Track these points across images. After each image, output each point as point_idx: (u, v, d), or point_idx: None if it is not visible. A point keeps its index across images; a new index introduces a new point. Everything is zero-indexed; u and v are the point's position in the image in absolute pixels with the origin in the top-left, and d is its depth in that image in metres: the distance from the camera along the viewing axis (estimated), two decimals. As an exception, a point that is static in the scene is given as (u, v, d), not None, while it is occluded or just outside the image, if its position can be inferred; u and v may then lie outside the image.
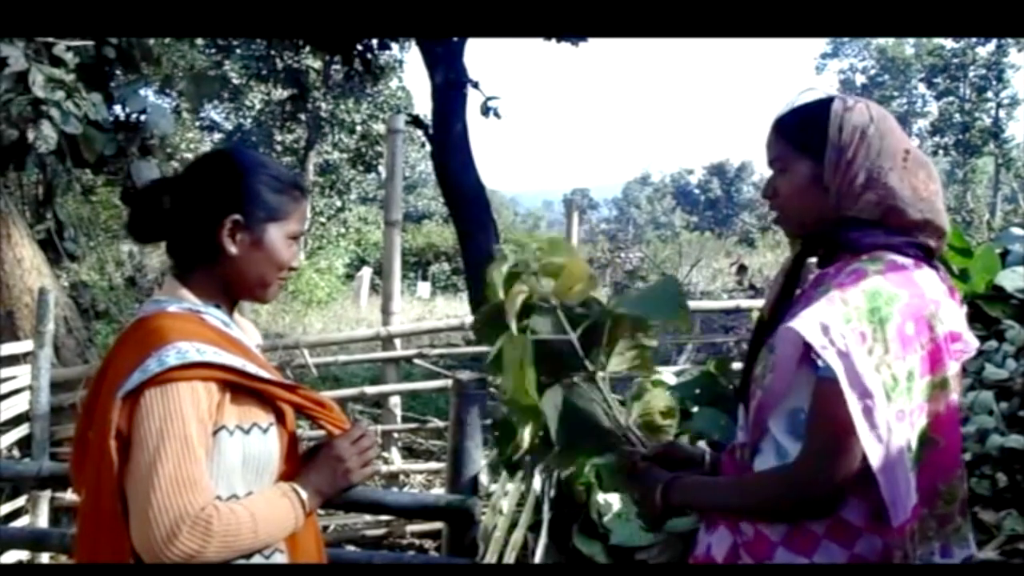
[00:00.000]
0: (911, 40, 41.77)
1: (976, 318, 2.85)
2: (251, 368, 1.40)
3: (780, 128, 1.55)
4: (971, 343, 1.48)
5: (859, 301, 1.36)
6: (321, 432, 1.56)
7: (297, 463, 1.51)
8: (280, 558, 1.44)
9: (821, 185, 1.49)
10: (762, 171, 53.88)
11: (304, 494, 1.43)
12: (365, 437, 1.54)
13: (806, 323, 1.37)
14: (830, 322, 1.34)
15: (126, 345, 1.42)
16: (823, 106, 1.51)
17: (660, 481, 1.56)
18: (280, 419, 1.46)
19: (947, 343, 1.41)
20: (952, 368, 1.41)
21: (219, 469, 1.36)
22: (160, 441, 1.28)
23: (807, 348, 1.37)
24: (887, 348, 1.33)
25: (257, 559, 1.39)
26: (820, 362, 1.35)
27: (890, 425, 1.31)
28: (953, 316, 1.45)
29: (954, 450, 1.42)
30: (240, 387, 1.39)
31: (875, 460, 1.30)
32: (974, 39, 35.61)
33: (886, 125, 1.48)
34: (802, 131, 1.52)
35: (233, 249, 1.46)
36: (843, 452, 1.32)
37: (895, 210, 1.44)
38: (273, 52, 21.25)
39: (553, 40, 10.75)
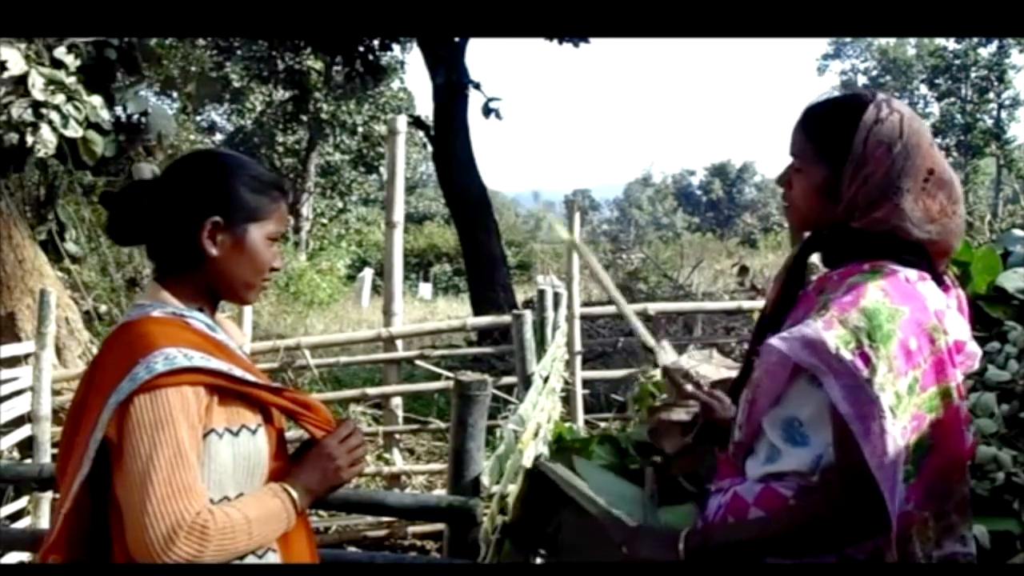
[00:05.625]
0: (912, 41, 41.68)
1: (977, 319, 2.83)
2: (237, 372, 1.40)
3: (807, 122, 1.49)
4: (975, 353, 1.47)
5: (860, 321, 1.32)
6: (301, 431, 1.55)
7: (286, 459, 1.51)
8: (273, 557, 1.44)
9: (833, 193, 1.44)
10: (764, 172, 53.57)
11: (295, 493, 1.43)
12: (354, 435, 1.53)
13: (796, 344, 1.34)
14: (829, 345, 1.31)
15: (112, 351, 1.41)
16: (855, 111, 1.43)
17: (671, 536, 1.46)
18: (268, 418, 1.46)
19: (951, 354, 1.39)
20: (957, 378, 1.40)
21: (210, 472, 1.36)
22: (152, 448, 1.28)
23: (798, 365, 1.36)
24: (891, 366, 1.30)
25: (251, 559, 1.39)
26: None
27: (896, 442, 1.29)
28: (957, 326, 1.43)
29: (955, 453, 1.42)
30: (228, 390, 1.39)
31: (881, 478, 1.28)
32: (975, 40, 35.56)
33: (914, 142, 1.41)
34: (827, 133, 1.45)
35: (214, 251, 1.46)
36: (865, 474, 1.29)
37: (900, 229, 1.41)
38: (274, 53, 21.22)
39: (555, 41, 10.78)
